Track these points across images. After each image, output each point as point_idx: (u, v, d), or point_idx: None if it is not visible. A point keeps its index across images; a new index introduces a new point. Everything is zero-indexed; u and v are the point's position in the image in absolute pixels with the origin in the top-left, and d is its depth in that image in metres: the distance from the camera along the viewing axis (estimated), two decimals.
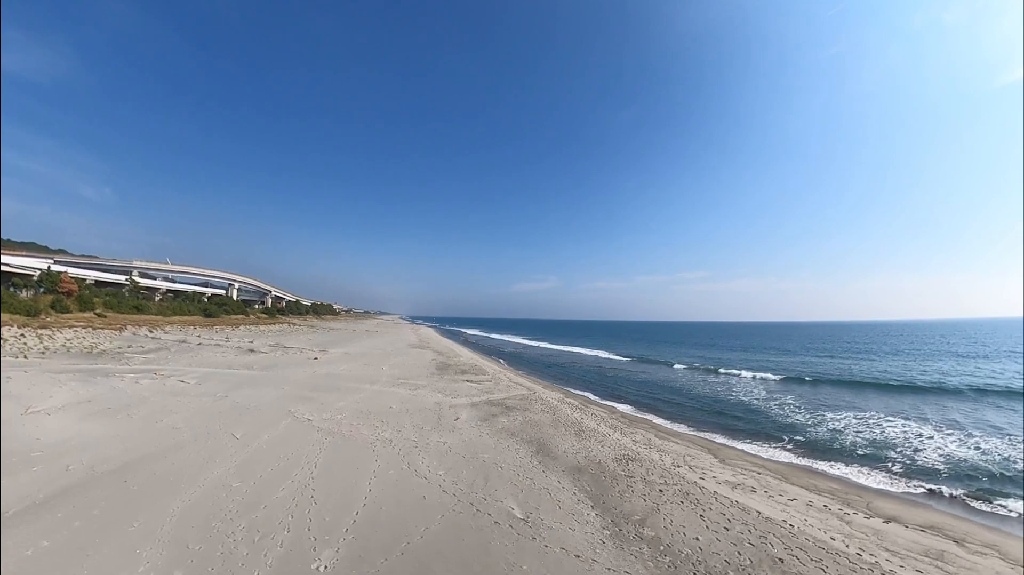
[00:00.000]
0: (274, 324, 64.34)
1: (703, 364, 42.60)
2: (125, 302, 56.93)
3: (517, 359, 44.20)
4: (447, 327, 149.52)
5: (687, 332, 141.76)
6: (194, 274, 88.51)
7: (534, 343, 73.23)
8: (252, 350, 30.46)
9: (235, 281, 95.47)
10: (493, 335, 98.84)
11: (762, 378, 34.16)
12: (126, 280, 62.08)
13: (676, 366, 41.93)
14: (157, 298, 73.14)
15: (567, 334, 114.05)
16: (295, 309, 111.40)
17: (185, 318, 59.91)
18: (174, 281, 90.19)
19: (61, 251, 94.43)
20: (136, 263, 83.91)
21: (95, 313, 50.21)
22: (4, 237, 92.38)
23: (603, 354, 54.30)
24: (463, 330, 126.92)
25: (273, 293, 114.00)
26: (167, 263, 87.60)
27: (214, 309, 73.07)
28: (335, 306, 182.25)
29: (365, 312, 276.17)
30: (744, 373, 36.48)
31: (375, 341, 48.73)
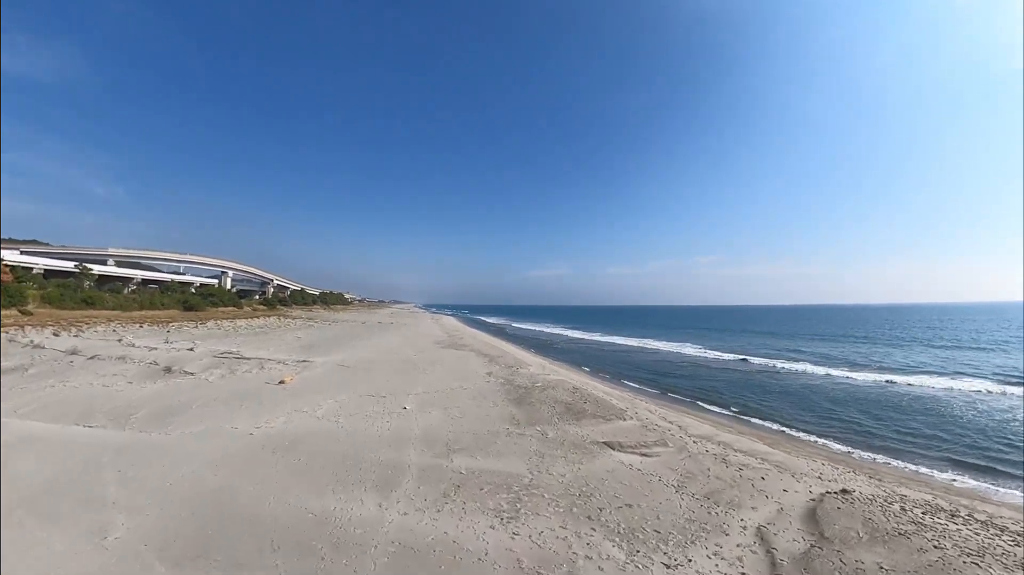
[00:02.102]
0: (259, 318, 51.40)
1: (835, 366, 30.13)
2: (71, 295, 44.55)
3: (596, 361, 30.38)
4: (466, 315, 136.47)
5: (725, 318, 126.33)
6: (179, 262, 76.33)
7: (584, 335, 59.19)
8: (169, 369, 16.99)
9: (228, 269, 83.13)
10: (525, 325, 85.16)
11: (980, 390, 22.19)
12: (75, 267, 49.66)
13: (805, 367, 29.40)
14: (128, 289, 61.00)
15: (603, 322, 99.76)
16: (299, 299, 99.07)
17: (149, 312, 47.29)
18: (181, 272, 78.57)
19: (62, 247, 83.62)
20: (112, 251, 72.09)
21: (19, 310, 37.85)
22: (18, 237, 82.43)
23: (689, 350, 40.59)
24: (484, 319, 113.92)
25: (275, 282, 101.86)
26: (149, 250, 75.49)
27: (198, 301, 60.75)
28: (346, 295, 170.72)
29: (379, 301, 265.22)
30: (942, 382, 24.35)
31: (390, 338, 35.18)
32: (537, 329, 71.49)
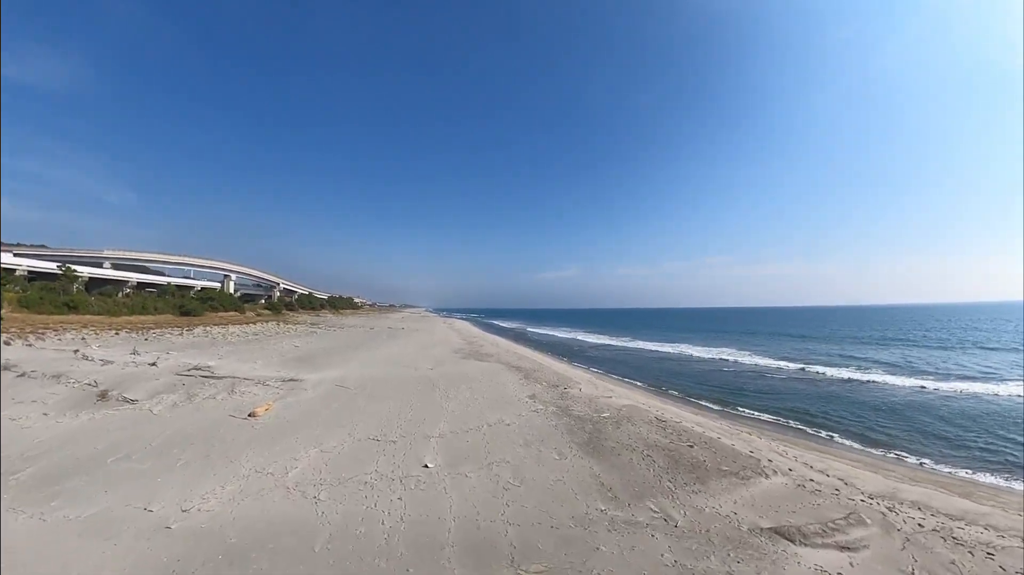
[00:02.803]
0: (257, 323, 47.41)
1: (907, 375, 25.61)
2: (51, 298, 40.98)
3: (644, 372, 25.66)
4: (479, 319, 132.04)
5: (746, 320, 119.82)
6: (178, 264, 73.15)
7: (610, 340, 54.33)
8: (105, 394, 12.71)
9: (232, 272, 79.74)
10: (542, 329, 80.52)
11: None
12: (58, 268, 46.20)
13: (876, 377, 24.88)
14: (122, 293, 57.61)
15: (623, 326, 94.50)
16: (307, 303, 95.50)
17: (137, 318, 43.60)
18: (191, 276, 75.68)
19: (54, 249, 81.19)
20: (108, 252, 69.05)
21: None
22: (26, 242, 79.94)
23: (735, 357, 35.92)
24: (498, 323, 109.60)
25: (282, 286, 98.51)
26: (147, 252, 72.32)
27: (195, 305, 57.13)
28: (356, 299, 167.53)
29: (390, 306, 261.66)
30: None
31: (401, 347, 30.82)
32: (557, 334, 66.79)
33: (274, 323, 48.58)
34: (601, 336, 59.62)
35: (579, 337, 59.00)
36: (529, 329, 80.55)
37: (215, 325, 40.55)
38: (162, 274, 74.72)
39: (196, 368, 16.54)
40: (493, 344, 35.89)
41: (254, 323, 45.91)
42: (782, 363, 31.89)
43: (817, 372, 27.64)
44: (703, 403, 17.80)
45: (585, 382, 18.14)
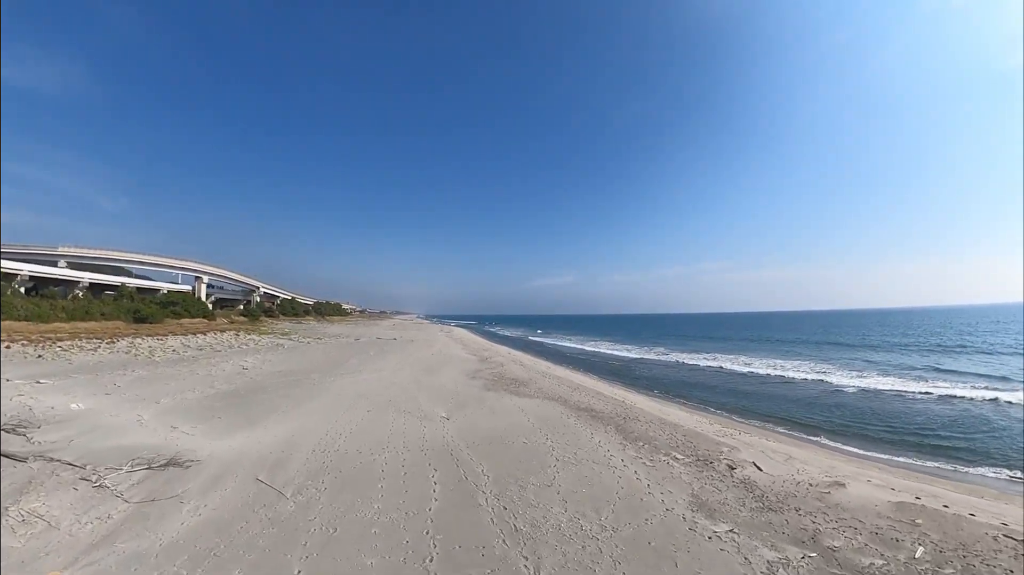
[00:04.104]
0: (209, 333, 39.08)
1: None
2: None
3: (753, 400, 17.96)
4: (477, 327, 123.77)
5: (760, 325, 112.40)
6: (141, 263, 64.69)
7: (643, 353, 46.55)
8: None
9: (203, 274, 71.16)
10: (549, 339, 72.72)
11: None
12: None
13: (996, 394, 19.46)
14: (72, 295, 49.21)
15: (635, 334, 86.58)
16: (289, 309, 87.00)
17: (67, 326, 35.33)
18: (177, 281, 67.13)
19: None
20: (63, 250, 60.65)
21: None
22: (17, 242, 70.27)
23: (811, 373, 29.22)
24: (498, 331, 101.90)
25: (262, 290, 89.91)
26: (108, 250, 63.78)
27: (155, 311, 48.89)
28: (345, 305, 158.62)
29: (381, 312, 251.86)
30: None
31: (393, 368, 22.79)
32: (571, 345, 59.03)
33: (232, 333, 40.15)
34: (629, 347, 51.99)
35: (603, 349, 51.18)
36: (536, 339, 72.78)
37: (154, 336, 32.36)
38: (130, 274, 66.38)
39: (7, 428, 8.59)
40: (515, 362, 27.85)
41: (205, 333, 37.58)
42: (892, 381, 25.24)
43: (951, 394, 21.18)
44: (931, 464, 10.28)
45: (740, 444, 10.32)
